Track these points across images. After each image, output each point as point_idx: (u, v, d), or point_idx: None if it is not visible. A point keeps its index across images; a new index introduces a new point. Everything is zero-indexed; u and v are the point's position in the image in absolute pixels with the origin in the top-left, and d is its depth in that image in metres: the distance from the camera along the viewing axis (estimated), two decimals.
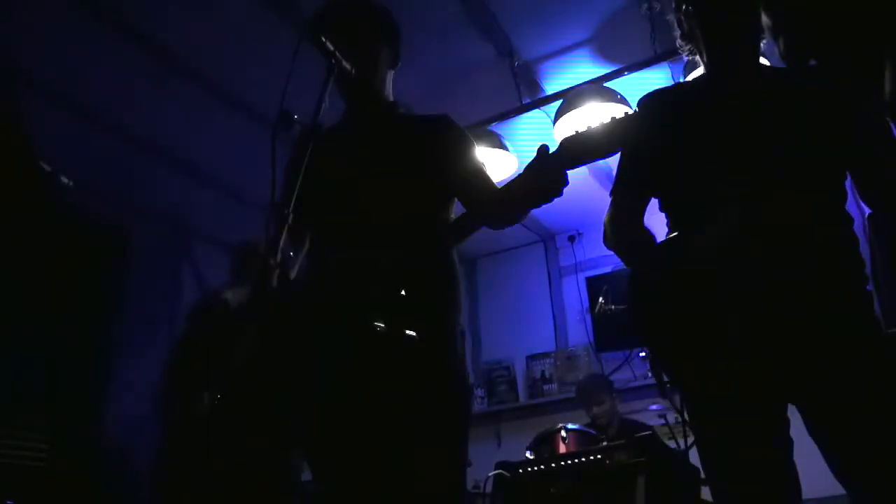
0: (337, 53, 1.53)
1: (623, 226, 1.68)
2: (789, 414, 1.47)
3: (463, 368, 1.67)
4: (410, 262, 1.59)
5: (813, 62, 1.53)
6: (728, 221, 1.48)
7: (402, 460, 1.55)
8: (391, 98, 1.85)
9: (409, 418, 1.54)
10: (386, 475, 1.56)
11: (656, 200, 1.71)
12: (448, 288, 1.69)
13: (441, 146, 1.73)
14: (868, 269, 1.54)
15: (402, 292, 1.53)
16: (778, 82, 1.63)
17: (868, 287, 1.48)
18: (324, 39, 1.52)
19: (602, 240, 1.72)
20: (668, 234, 1.64)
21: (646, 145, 1.65)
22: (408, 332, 1.53)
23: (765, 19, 1.51)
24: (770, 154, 1.50)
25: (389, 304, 1.53)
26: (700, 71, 1.76)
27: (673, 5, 1.71)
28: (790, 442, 1.45)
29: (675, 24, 1.72)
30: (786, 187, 1.47)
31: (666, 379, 1.56)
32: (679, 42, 1.73)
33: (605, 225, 1.70)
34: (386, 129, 1.79)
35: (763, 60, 1.80)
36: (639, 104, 1.70)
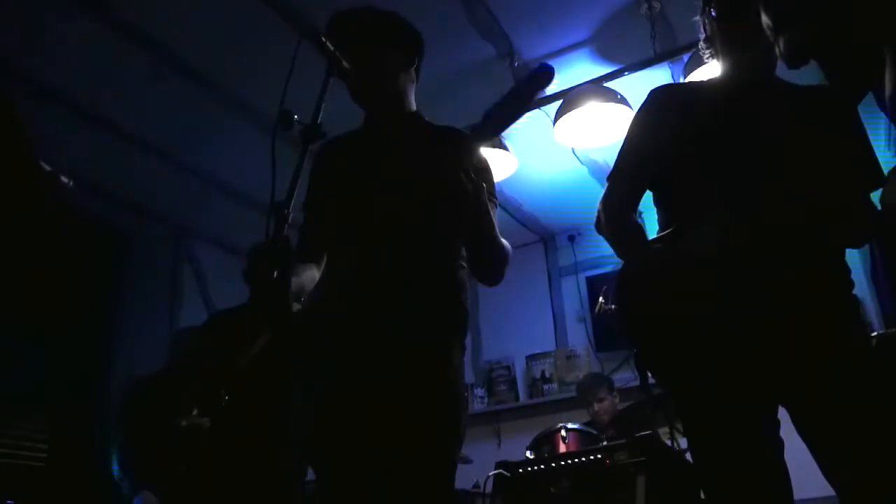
0: (337, 54, 1.54)
1: (617, 212, 1.68)
2: (780, 416, 1.47)
3: (457, 379, 1.63)
4: (421, 269, 1.60)
5: (811, 62, 1.53)
6: (724, 222, 1.48)
7: (390, 470, 1.56)
8: (412, 104, 1.83)
9: (400, 428, 1.53)
10: (375, 482, 1.57)
11: (650, 195, 1.71)
12: (451, 297, 1.67)
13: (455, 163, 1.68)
14: (863, 271, 1.55)
15: (415, 300, 1.54)
16: (789, 95, 1.64)
17: (853, 291, 1.50)
18: (324, 40, 1.52)
19: (595, 226, 1.73)
20: (659, 230, 1.65)
21: (650, 136, 1.66)
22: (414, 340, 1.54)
23: (765, 19, 1.51)
24: (771, 162, 1.51)
25: (400, 311, 1.55)
26: (705, 71, 1.77)
27: (700, 7, 1.72)
28: (780, 443, 1.46)
29: (700, 27, 1.73)
30: (783, 194, 1.48)
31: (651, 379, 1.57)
32: (701, 45, 1.74)
33: (598, 210, 1.70)
34: (400, 136, 1.77)
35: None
36: (649, 95, 1.71)
